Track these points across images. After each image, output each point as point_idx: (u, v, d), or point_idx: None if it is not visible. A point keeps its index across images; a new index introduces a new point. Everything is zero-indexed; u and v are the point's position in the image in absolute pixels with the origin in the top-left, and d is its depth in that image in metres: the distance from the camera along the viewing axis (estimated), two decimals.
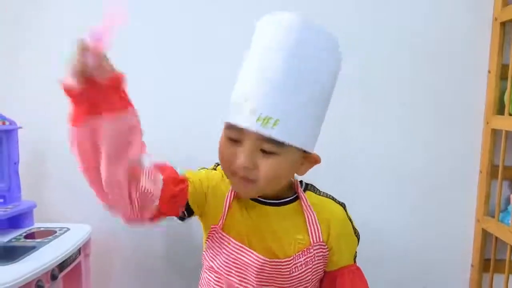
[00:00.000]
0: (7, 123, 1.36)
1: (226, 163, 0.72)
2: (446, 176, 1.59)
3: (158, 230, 1.56)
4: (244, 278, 0.75)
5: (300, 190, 0.79)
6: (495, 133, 1.52)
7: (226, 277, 0.77)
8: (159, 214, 0.70)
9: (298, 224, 0.77)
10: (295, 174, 0.80)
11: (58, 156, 1.58)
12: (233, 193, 0.79)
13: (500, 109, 1.50)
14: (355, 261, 0.82)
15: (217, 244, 0.78)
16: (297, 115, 0.67)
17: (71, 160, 1.55)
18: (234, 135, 0.69)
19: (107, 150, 0.61)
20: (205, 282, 0.82)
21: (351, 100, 1.51)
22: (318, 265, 0.77)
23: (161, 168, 0.73)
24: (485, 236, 1.56)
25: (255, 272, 0.74)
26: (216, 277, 0.79)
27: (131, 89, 1.67)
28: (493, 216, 1.52)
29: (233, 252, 0.76)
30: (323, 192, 0.83)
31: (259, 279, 0.74)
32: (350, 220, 0.81)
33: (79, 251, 1.31)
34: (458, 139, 1.58)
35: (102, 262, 1.57)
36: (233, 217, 0.78)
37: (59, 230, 1.35)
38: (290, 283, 0.75)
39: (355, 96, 1.53)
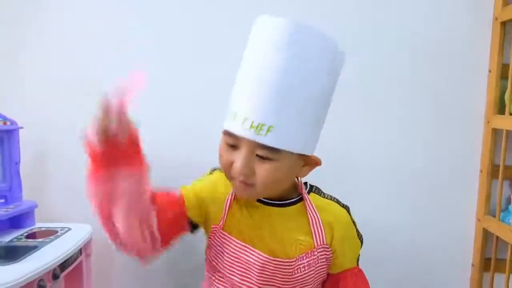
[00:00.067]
0: (8, 123, 1.36)
1: (225, 168, 0.73)
2: (447, 176, 1.59)
3: None
4: (247, 277, 0.75)
5: (305, 192, 0.80)
6: (496, 132, 1.52)
7: (229, 277, 0.77)
8: (167, 238, 0.72)
9: (301, 226, 0.77)
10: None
11: (59, 156, 1.58)
12: (234, 193, 0.80)
13: (500, 109, 1.50)
14: (357, 264, 0.83)
15: (218, 243, 0.79)
16: (293, 121, 0.67)
17: (71, 160, 1.57)
18: (231, 141, 0.71)
19: (124, 202, 0.63)
20: (208, 282, 0.83)
21: (351, 100, 1.50)
22: (321, 267, 0.77)
23: (153, 196, 0.73)
24: (486, 236, 1.56)
25: (257, 271, 0.74)
26: (219, 276, 0.79)
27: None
28: (494, 216, 1.52)
29: (235, 251, 0.76)
30: (328, 195, 0.83)
31: (261, 278, 0.75)
32: (354, 223, 0.81)
33: (80, 251, 1.31)
34: (459, 138, 1.57)
35: (103, 262, 1.57)
36: (234, 216, 0.79)
37: (60, 230, 1.36)
38: (292, 284, 0.76)
39: (355, 96, 1.53)
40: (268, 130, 0.65)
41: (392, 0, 1.53)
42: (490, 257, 1.55)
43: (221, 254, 0.78)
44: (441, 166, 1.58)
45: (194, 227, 0.80)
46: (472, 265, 1.62)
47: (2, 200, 1.37)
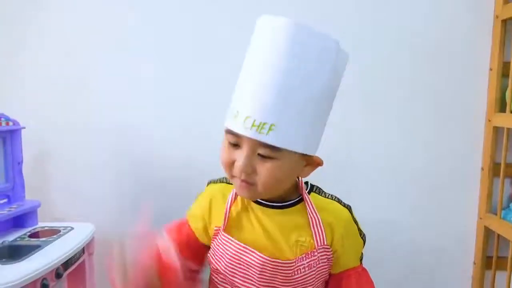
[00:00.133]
0: (10, 123, 1.37)
1: (226, 167, 0.73)
2: (448, 174, 1.59)
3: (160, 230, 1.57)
4: (248, 278, 0.76)
5: (305, 192, 0.79)
6: (497, 130, 1.52)
7: (231, 278, 0.77)
8: (196, 270, 0.80)
9: (301, 226, 0.77)
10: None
11: (59, 156, 1.59)
12: (235, 196, 0.80)
13: (501, 107, 1.50)
14: (361, 263, 0.82)
15: (220, 246, 0.79)
16: (294, 120, 0.67)
17: (72, 160, 1.58)
18: (233, 140, 0.71)
19: None
20: (212, 284, 0.83)
21: (352, 100, 1.51)
22: (322, 268, 0.77)
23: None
24: (488, 234, 1.56)
25: (257, 272, 0.74)
26: (222, 278, 0.80)
27: (132, 89, 1.70)
28: (495, 214, 1.52)
29: (236, 253, 0.76)
30: (329, 194, 0.82)
31: (261, 279, 0.75)
32: (356, 222, 0.81)
33: (83, 250, 1.32)
34: (460, 137, 1.58)
35: (106, 257, 1.58)
36: (235, 219, 0.79)
37: (63, 229, 1.36)
38: (293, 285, 0.75)
39: (356, 96, 1.53)
40: (269, 129, 0.65)
41: (392, 0, 1.53)
42: (491, 255, 1.55)
43: (222, 256, 0.78)
44: (443, 165, 1.59)
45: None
46: (474, 263, 1.62)
47: (5, 200, 1.38)
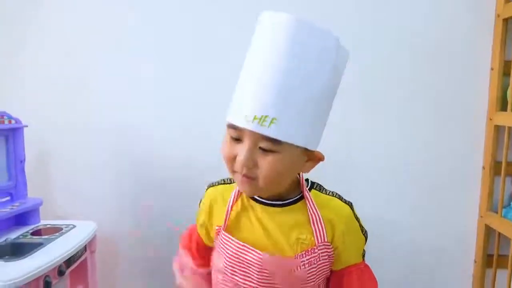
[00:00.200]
0: (13, 121, 1.37)
1: (228, 162, 0.73)
2: (449, 173, 1.59)
3: (161, 229, 1.58)
4: (248, 276, 0.76)
5: (306, 189, 0.79)
6: (498, 129, 1.52)
7: (231, 277, 0.78)
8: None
9: (302, 224, 0.77)
10: (302, 173, 0.81)
11: (60, 156, 1.60)
12: (236, 195, 0.81)
13: (503, 106, 1.50)
14: (363, 259, 0.81)
15: (220, 245, 0.80)
16: (295, 114, 0.67)
17: (73, 160, 1.58)
18: (234, 134, 0.71)
19: None
20: (214, 282, 0.84)
21: (352, 99, 1.51)
22: (323, 265, 0.76)
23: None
24: (488, 232, 1.57)
25: (257, 270, 0.74)
26: (223, 277, 0.80)
27: (132, 89, 1.71)
28: (496, 212, 1.52)
29: (236, 252, 0.77)
30: (330, 191, 0.82)
31: (261, 277, 0.75)
32: (357, 218, 0.80)
33: (85, 248, 1.33)
34: (461, 135, 1.58)
35: (107, 258, 1.59)
36: (235, 218, 0.80)
37: (65, 227, 1.37)
38: (293, 282, 0.75)
39: (356, 96, 1.53)
40: (271, 122, 0.66)
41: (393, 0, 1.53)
42: (492, 254, 1.55)
43: (223, 255, 0.79)
44: (444, 163, 1.59)
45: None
46: (475, 261, 1.62)
47: (8, 198, 1.39)
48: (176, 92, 1.57)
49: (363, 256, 0.82)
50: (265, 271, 0.75)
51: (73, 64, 1.56)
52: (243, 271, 0.76)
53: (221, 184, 0.86)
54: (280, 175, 0.71)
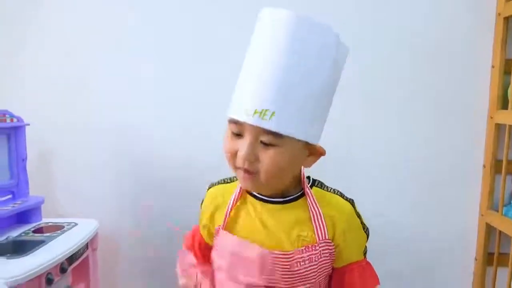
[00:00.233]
0: (15, 120, 1.38)
1: (230, 158, 0.74)
2: (450, 171, 1.60)
3: (161, 229, 1.58)
4: (249, 273, 0.76)
5: (307, 186, 0.79)
6: (499, 127, 1.52)
7: (233, 274, 0.78)
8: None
9: (303, 221, 0.77)
10: (304, 170, 0.81)
11: (61, 156, 1.60)
12: (238, 194, 0.81)
13: (504, 104, 1.50)
14: (365, 257, 0.81)
15: (221, 243, 0.80)
16: (296, 108, 0.68)
17: (73, 160, 1.58)
18: (235, 129, 0.71)
19: None
20: (216, 281, 0.84)
21: (353, 95, 1.51)
22: (325, 262, 0.76)
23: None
24: (489, 230, 1.57)
25: (257, 265, 0.75)
26: (225, 275, 0.80)
27: (132, 89, 1.71)
28: (496, 210, 1.52)
29: (236, 249, 0.77)
30: (331, 188, 0.82)
31: (262, 272, 0.75)
32: (359, 215, 0.80)
33: (87, 246, 1.33)
34: (462, 134, 1.58)
35: (109, 256, 1.59)
36: (236, 216, 0.80)
37: (67, 225, 1.38)
38: (293, 277, 0.75)
39: (357, 92, 1.53)
40: (272, 116, 0.66)
41: None
42: (493, 252, 1.55)
43: (224, 253, 0.79)
44: (444, 162, 1.59)
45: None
46: (475, 259, 1.62)
47: (10, 196, 1.39)
48: (176, 92, 1.57)
49: (365, 253, 0.82)
50: (266, 267, 0.75)
51: (73, 64, 1.56)
52: (244, 268, 0.77)
53: (221, 183, 0.87)
54: (281, 169, 0.71)
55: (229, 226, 0.80)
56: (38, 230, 1.33)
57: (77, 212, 1.57)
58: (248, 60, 0.73)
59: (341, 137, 1.55)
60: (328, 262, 0.77)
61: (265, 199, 0.79)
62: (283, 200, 0.79)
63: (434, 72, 1.55)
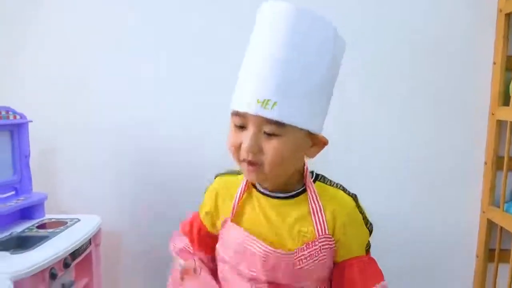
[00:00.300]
0: (18, 117, 1.38)
1: (234, 151, 0.74)
2: (451, 168, 1.60)
3: (165, 223, 1.59)
4: (253, 268, 0.77)
5: (309, 180, 0.80)
6: (500, 124, 1.53)
7: (237, 266, 0.79)
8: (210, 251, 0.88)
9: (305, 217, 0.77)
10: (307, 165, 0.81)
11: (61, 156, 1.60)
12: (244, 187, 0.81)
13: (505, 100, 1.51)
14: (367, 253, 0.81)
15: (227, 236, 0.81)
16: (297, 97, 0.69)
17: (73, 160, 1.57)
18: (238, 122, 0.72)
19: None
20: (220, 272, 0.85)
21: (353, 91, 1.52)
22: (325, 257, 0.77)
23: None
24: (490, 227, 1.57)
25: (261, 261, 0.75)
26: (228, 267, 0.81)
27: (132, 89, 1.71)
28: (498, 207, 1.53)
29: (241, 242, 0.78)
30: (334, 183, 0.83)
31: (265, 269, 0.76)
32: (361, 211, 0.80)
33: (89, 241, 1.34)
34: (463, 130, 1.58)
35: (111, 251, 1.60)
36: (241, 210, 0.81)
37: (70, 221, 1.38)
38: (296, 274, 0.76)
39: (357, 88, 1.54)
40: (273, 105, 0.68)
41: None
42: (494, 248, 1.56)
43: (229, 245, 0.80)
44: (446, 158, 1.59)
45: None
46: (476, 256, 1.63)
47: (13, 192, 1.40)
48: (176, 92, 1.58)
49: (368, 249, 0.81)
50: (269, 262, 0.75)
51: (73, 64, 1.56)
52: (248, 262, 0.77)
53: (229, 174, 0.87)
54: (285, 159, 0.72)
55: (235, 218, 0.81)
56: (42, 226, 1.34)
57: (84, 205, 1.58)
58: (249, 52, 0.74)
59: (341, 134, 1.55)
60: (328, 257, 0.77)
61: (269, 194, 0.80)
62: (287, 196, 0.79)
63: (435, 68, 1.55)
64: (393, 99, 1.58)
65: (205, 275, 0.83)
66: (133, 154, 1.60)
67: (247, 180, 0.82)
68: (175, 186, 1.60)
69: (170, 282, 0.86)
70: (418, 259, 1.64)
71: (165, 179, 1.61)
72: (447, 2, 1.53)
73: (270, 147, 0.70)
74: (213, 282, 0.83)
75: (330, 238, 0.77)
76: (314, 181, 0.81)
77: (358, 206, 0.81)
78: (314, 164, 0.79)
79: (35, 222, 1.37)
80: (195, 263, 0.84)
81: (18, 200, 1.37)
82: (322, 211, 0.77)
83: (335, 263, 0.80)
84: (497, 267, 1.55)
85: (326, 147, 0.78)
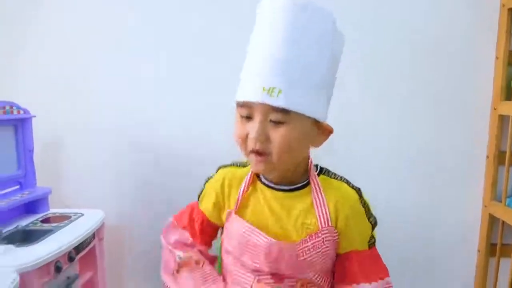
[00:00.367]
0: (21, 111, 1.39)
1: (241, 143, 0.75)
2: (454, 162, 1.60)
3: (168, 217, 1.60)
4: (256, 259, 0.78)
5: (313, 173, 0.81)
6: (503, 119, 1.53)
7: (240, 258, 0.79)
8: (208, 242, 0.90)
9: (308, 209, 0.78)
10: (312, 159, 0.82)
11: (61, 156, 1.61)
12: (249, 179, 0.82)
13: (507, 95, 1.51)
14: (370, 247, 0.81)
15: (230, 227, 0.81)
16: (301, 85, 0.70)
17: (74, 160, 1.57)
18: (245, 112, 0.73)
19: None
20: (223, 263, 0.86)
21: (355, 90, 1.52)
22: (328, 249, 0.78)
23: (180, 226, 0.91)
24: (492, 221, 1.58)
25: (264, 253, 0.76)
26: (232, 258, 0.82)
27: (132, 89, 1.71)
28: (500, 201, 1.53)
29: (245, 234, 0.78)
30: (338, 176, 0.84)
31: (268, 260, 0.77)
32: (364, 204, 0.81)
33: (93, 235, 1.35)
34: (466, 125, 1.59)
35: (114, 246, 1.61)
36: (246, 202, 0.82)
37: (74, 215, 1.39)
38: (299, 265, 0.77)
39: (359, 82, 1.54)
40: (279, 92, 0.69)
41: None
42: (496, 243, 1.56)
43: (233, 237, 0.81)
44: (448, 153, 1.60)
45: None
46: (478, 250, 1.63)
47: (17, 187, 1.41)
48: (176, 92, 1.58)
49: (371, 244, 0.81)
50: (273, 254, 0.76)
51: (73, 64, 1.56)
52: (251, 253, 0.78)
53: (233, 166, 0.88)
54: (292, 147, 0.73)
55: (241, 211, 0.81)
56: (46, 220, 1.35)
57: (87, 200, 1.59)
58: (252, 44, 0.75)
59: (340, 130, 1.55)
60: (331, 249, 0.78)
61: (274, 187, 0.80)
62: (291, 188, 0.80)
63: (437, 63, 1.55)
64: (394, 96, 1.57)
65: (207, 267, 0.84)
66: (133, 155, 1.61)
67: (252, 173, 0.82)
68: (174, 186, 1.59)
69: (167, 277, 0.86)
70: (420, 253, 1.65)
71: (164, 179, 1.61)
72: None
73: (277, 135, 0.71)
74: (215, 273, 0.84)
75: (333, 230, 0.78)
76: (318, 175, 0.82)
77: (362, 199, 0.82)
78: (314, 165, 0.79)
79: (39, 216, 1.38)
80: (197, 255, 0.85)
81: (22, 194, 1.37)
82: (326, 204, 0.78)
83: (337, 255, 0.81)
84: (498, 261, 1.56)
85: (326, 147, 0.78)
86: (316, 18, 0.72)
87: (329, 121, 0.79)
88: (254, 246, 0.77)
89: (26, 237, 1.18)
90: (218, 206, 0.86)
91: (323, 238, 0.77)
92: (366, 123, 1.58)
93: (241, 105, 0.73)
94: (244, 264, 0.79)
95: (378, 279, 0.78)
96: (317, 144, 0.79)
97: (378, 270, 0.80)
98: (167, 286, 0.85)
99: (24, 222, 1.30)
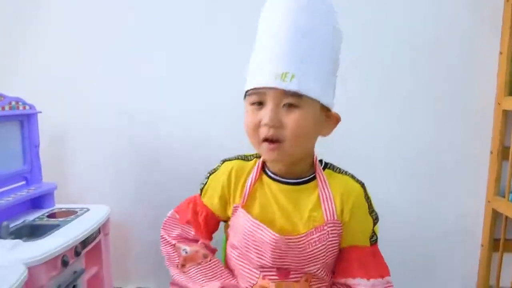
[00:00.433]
0: (27, 107, 1.40)
1: (253, 132, 0.75)
2: (457, 158, 1.60)
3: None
4: (261, 254, 0.78)
5: (319, 167, 0.81)
6: (506, 114, 1.53)
7: (246, 253, 0.80)
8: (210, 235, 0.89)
9: (314, 202, 0.79)
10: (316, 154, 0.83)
11: (61, 156, 1.62)
12: (256, 173, 0.82)
13: (511, 90, 1.50)
14: (372, 244, 0.81)
15: (236, 221, 0.82)
16: (312, 70, 0.72)
17: (73, 160, 1.57)
18: (257, 99, 0.74)
19: None
20: (228, 258, 0.86)
21: (356, 87, 1.52)
22: (333, 242, 0.78)
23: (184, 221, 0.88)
24: (495, 216, 1.58)
25: (270, 249, 0.76)
26: (238, 253, 0.82)
27: (132, 89, 1.71)
28: (503, 196, 1.53)
29: (250, 230, 0.79)
30: (343, 170, 0.84)
31: (274, 256, 0.77)
32: (367, 199, 0.81)
33: (99, 230, 1.36)
34: (470, 120, 1.59)
35: (120, 241, 1.62)
36: (252, 196, 0.81)
37: (80, 210, 1.40)
38: (305, 258, 0.77)
39: (360, 79, 1.54)
40: (292, 77, 0.70)
41: None
42: (499, 238, 1.56)
43: (238, 231, 0.81)
44: (452, 148, 1.60)
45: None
46: (481, 245, 1.64)
47: (23, 182, 1.42)
48: (176, 92, 1.59)
49: (373, 240, 0.81)
50: (279, 250, 0.77)
51: (73, 64, 1.57)
52: (256, 248, 0.78)
53: (238, 159, 0.87)
54: (305, 133, 0.73)
55: (247, 205, 0.81)
56: (52, 215, 1.36)
57: (93, 195, 1.61)
58: (261, 31, 0.76)
59: (340, 133, 1.55)
60: (336, 243, 0.79)
61: (280, 180, 0.81)
62: (297, 182, 0.80)
63: (441, 58, 1.55)
64: (396, 94, 1.58)
65: (215, 261, 0.84)
66: (133, 154, 1.62)
67: (259, 166, 0.83)
68: (174, 186, 1.59)
69: (173, 269, 0.85)
70: (423, 248, 1.65)
71: (164, 179, 1.62)
72: None
73: (291, 119, 0.71)
74: (222, 267, 0.84)
75: (339, 223, 0.78)
76: (323, 169, 0.82)
77: (365, 193, 0.82)
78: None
79: (45, 211, 1.40)
80: (203, 249, 0.85)
81: (29, 189, 1.39)
82: (331, 197, 0.78)
83: (339, 250, 0.81)
84: (501, 256, 1.56)
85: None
86: (326, 6, 0.74)
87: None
88: (261, 242, 0.77)
89: (33, 232, 1.20)
90: (224, 199, 0.85)
91: (328, 231, 0.77)
92: (365, 123, 1.59)
93: (253, 92, 0.74)
94: (250, 260, 0.80)
95: (377, 276, 0.78)
96: (326, 132, 0.79)
97: (379, 267, 0.80)
98: (176, 279, 0.85)
99: (31, 217, 1.32)
